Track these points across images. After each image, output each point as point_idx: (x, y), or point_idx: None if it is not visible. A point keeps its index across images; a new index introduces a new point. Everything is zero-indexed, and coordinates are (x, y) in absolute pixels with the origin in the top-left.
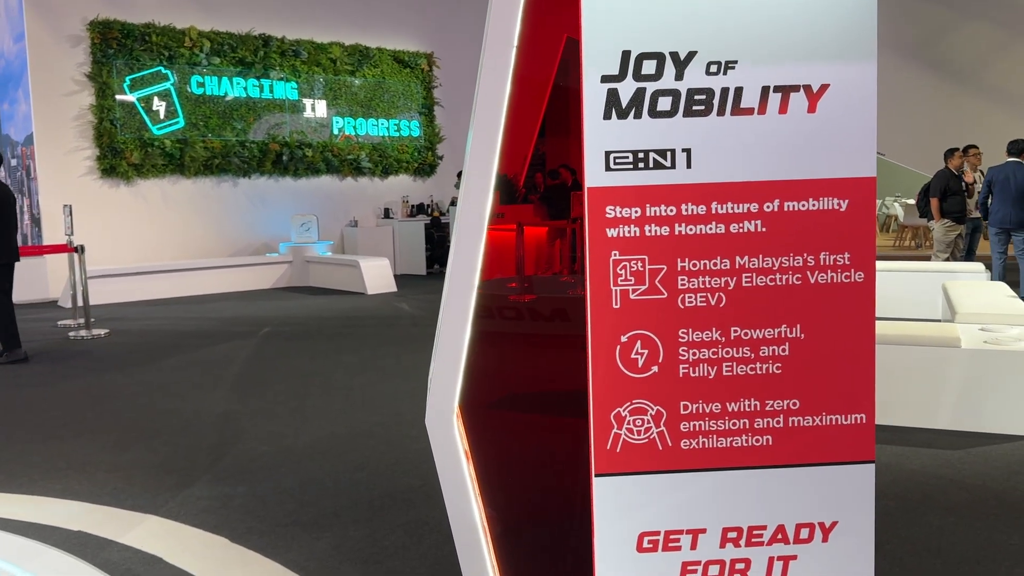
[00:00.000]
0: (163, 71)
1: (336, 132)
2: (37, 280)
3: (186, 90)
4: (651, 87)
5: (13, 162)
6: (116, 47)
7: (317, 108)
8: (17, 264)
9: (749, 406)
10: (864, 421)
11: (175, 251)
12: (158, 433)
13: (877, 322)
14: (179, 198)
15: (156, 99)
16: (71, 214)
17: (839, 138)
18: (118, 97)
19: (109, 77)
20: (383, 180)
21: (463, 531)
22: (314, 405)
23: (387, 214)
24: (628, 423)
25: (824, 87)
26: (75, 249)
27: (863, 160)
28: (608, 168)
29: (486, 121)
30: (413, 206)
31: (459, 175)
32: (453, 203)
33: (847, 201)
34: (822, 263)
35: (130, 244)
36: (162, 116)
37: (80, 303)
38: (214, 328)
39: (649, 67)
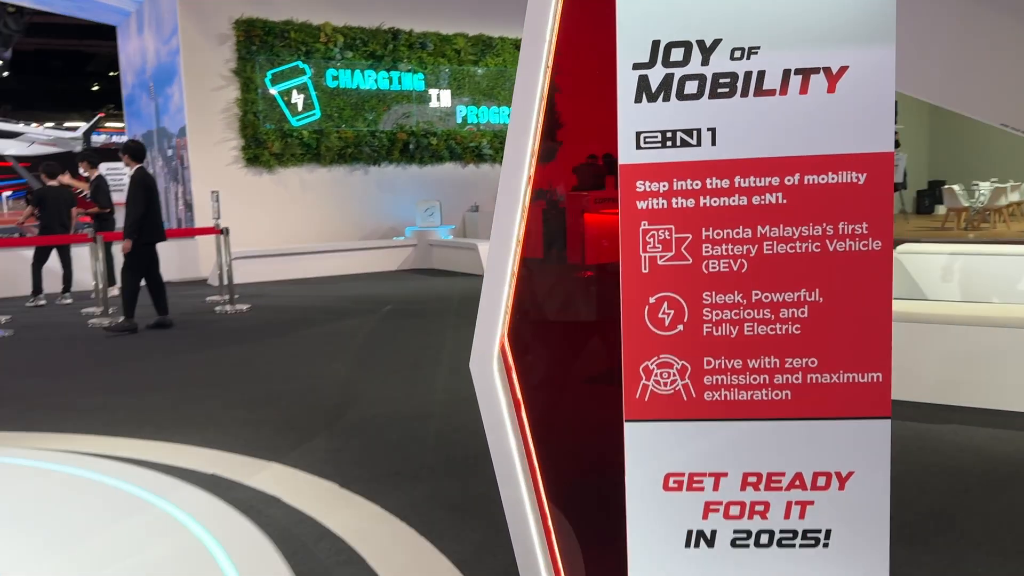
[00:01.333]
0: (301, 66)
1: (460, 121)
2: (189, 260)
3: (322, 83)
4: (679, 72)
5: (169, 152)
6: (259, 44)
7: (442, 98)
8: (171, 245)
9: (769, 363)
10: (881, 380)
11: (311, 235)
12: (286, 394)
13: (991, 305)
14: (315, 185)
15: (295, 92)
16: (218, 200)
17: (858, 116)
18: (271, 90)
19: (252, 72)
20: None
21: (503, 464)
22: (424, 374)
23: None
24: (655, 375)
25: (843, 69)
26: (221, 232)
27: (881, 136)
28: (639, 147)
29: (521, 108)
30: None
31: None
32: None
33: (865, 175)
34: (840, 232)
35: (271, 228)
36: (300, 108)
37: (225, 281)
38: (342, 305)
39: (677, 54)
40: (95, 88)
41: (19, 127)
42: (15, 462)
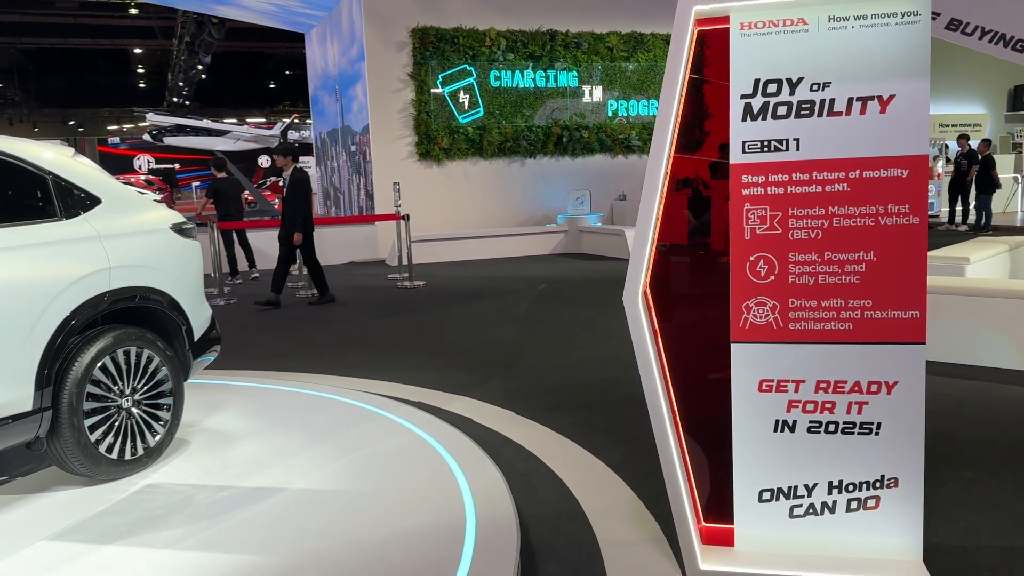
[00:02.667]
0: (468, 68)
1: (610, 114)
2: (369, 243)
3: (486, 83)
4: (773, 100)
5: (352, 148)
6: (432, 50)
7: (594, 93)
8: (354, 229)
9: (836, 303)
10: (918, 316)
11: (474, 221)
12: (465, 351)
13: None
14: (478, 177)
15: (462, 92)
16: (399, 190)
17: (901, 129)
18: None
19: (426, 76)
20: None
21: (648, 379)
22: (576, 339)
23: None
24: (754, 311)
25: (892, 96)
26: (403, 217)
27: (918, 143)
28: (744, 152)
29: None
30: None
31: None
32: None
33: (907, 171)
34: (888, 211)
35: (439, 215)
36: (466, 107)
37: (405, 261)
38: (503, 283)
39: (772, 88)
40: (272, 86)
41: (227, 126)
42: (286, 389)
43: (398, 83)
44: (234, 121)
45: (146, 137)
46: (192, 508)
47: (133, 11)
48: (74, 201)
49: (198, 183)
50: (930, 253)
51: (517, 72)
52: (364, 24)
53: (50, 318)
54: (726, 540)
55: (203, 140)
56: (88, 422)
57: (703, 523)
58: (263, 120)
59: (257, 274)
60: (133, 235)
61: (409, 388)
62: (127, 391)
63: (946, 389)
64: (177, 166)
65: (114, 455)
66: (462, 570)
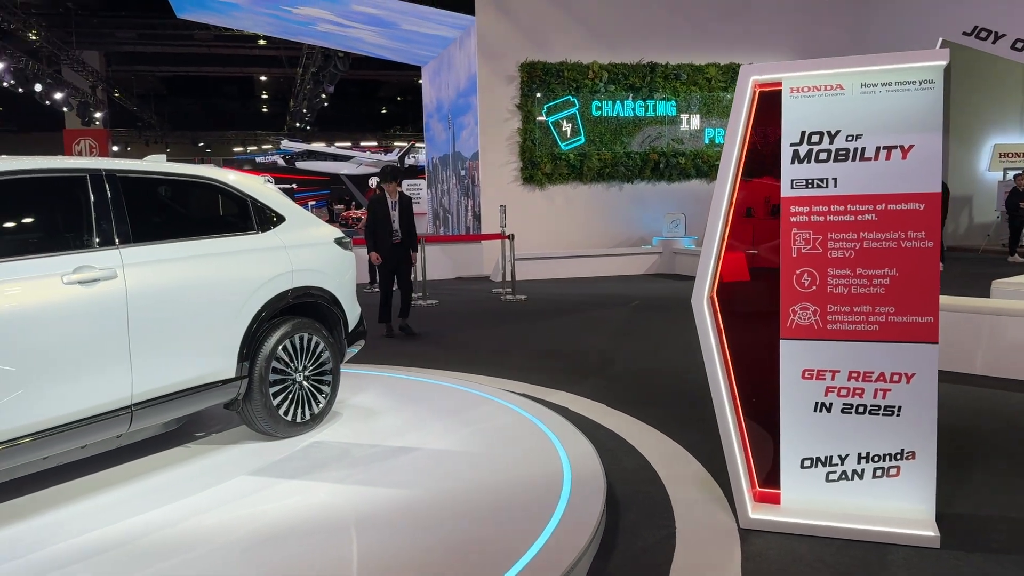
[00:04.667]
0: (571, 99)
1: (707, 142)
2: (475, 260)
3: (588, 113)
4: (816, 148)
5: (462, 172)
6: (538, 83)
7: (692, 121)
8: (460, 247)
9: (865, 309)
10: (931, 321)
11: (572, 242)
12: (563, 355)
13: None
14: (578, 200)
15: (564, 122)
16: (505, 212)
17: (919, 172)
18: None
19: (532, 107)
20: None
21: (712, 369)
22: (662, 348)
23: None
24: (798, 314)
25: (912, 146)
26: (508, 237)
27: (932, 183)
28: (792, 188)
29: (724, 172)
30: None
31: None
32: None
33: (924, 204)
34: (908, 236)
35: (540, 235)
36: (568, 135)
37: (508, 277)
38: (598, 299)
39: (815, 138)
40: (384, 112)
41: (351, 152)
42: (412, 379)
43: (506, 113)
44: (348, 145)
45: (280, 162)
46: (350, 459)
47: (262, 42)
48: (266, 218)
49: (313, 203)
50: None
51: (617, 102)
52: (478, 60)
53: (250, 308)
54: (774, 501)
55: (329, 164)
56: (272, 390)
57: (756, 488)
58: (375, 144)
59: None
60: (308, 246)
61: (513, 383)
62: (300, 368)
63: (1009, 400)
64: (294, 186)
65: (289, 418)
66: (560, 508)
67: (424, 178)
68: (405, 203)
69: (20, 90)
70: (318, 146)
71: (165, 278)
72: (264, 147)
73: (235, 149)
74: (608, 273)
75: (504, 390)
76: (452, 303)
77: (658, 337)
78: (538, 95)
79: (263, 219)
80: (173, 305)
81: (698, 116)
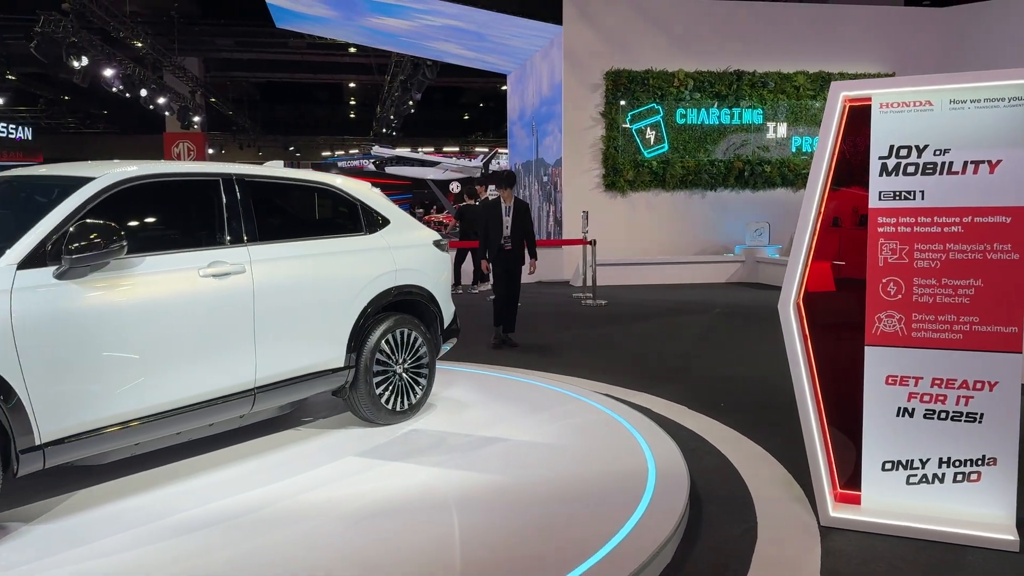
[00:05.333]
0: (655, 107)
1: (794, 150)
2: (555, 265)
3: (672, 120)
4: (904, 161)
5: (544, 178)
6: (623, 90)
7: (779, 129)
8: (541, 252)
9: (950, 318)
10: (1016, 331)
11: (653, 248)
12: (644, 359)
13: None
14: (660, 207)
15: (648, 129)
16: (587, 217)
17: (1006, 186)
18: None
19: (616, 114)
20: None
21: (797, 373)
22: (745, 355)
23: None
24: (884, 321)
25: (999, 160)
26: (590, 243)
27: (1019, 197)
28: (879, 199)
29: (813, 183)
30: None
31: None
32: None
33: (1010, 218)
34: (994, 248)
35: (622, 241)
36: (652, 142)
37: (589, 282)
38: (679, 305)
39: (904, 152)
40: (466, 118)
41: (438, 158)
42: (500, 376)
43: (590, 121)
44: (431, 150)
45: (370, 166)
46: (445, 446)
47: (352, 50)
48: (373, 221)
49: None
50: None
51: (702, 110)
52: (563, 68)
53: (358, 303)
54: (854, 502)
55: (416, 170)
56: (375, 380)
57: (837, 489)
58: (457, 149)
59: (476, 290)
60: (410, 247)
61: (596, 383)
62: (400, 360)
63: None
64: (378, 191)
65: (390, 406)
66: (645, 498)
67: None
68: (521, 209)
69: (127, 95)
70: (403, 151)
71: (286, 274)
72: (351, 152)
73: (323, 153)
74: (689, 280)
75: (587, 389)
76: (533, 306)
77: (740, 344)
78: (622, 103)
79: (370, 221)
80: (293, 298)
81: (785, 124)
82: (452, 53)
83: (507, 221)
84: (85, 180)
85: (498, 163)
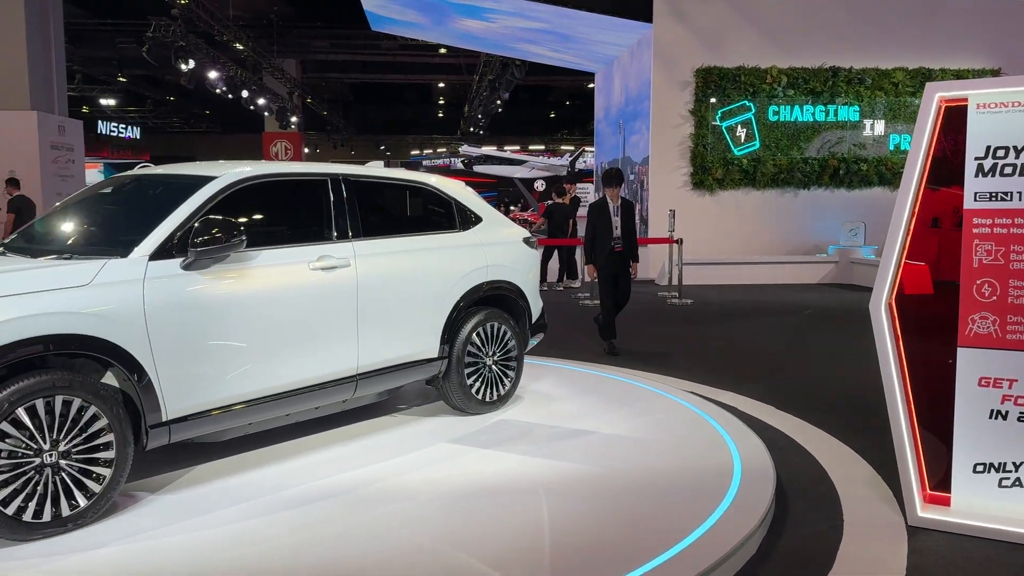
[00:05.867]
0: (747, 104)
1: (892, 148)
2: (641, 264)
3: (764, 118)
4: (1001, 162)
5: (631, 177)
6: (713, 88)
7: (876, 127)
8: None
9: None
10: None
11: (741, 248)
12: (731, 358)
13: None
14: (749, 206)
15: (739, 127)
16: (674, 216)
17: None
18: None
19: (705, 112)
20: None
21: (887, 373)
22: (836, 356)
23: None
24: (977, 323)
25: None
26: (676, 241)
27: None
28: (975, 200)
29: (906, 182)
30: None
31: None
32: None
33: None
34: None
35: (709, 241)
36: (742, 140)
37: (675, 281)
38: (769, 306)
39: (1001, 153)
40: (552, 116)
41: (524, 156)
42: (585, 371)
43: (679, 119)
44: (517, 148)
45: (459, 164)
46: (532, 436)
47: (442, 51)
48: (467, 218)
49: None
50: None
51: (796, 107)
52: (653, 66)
53: (452, 297)
54: (943, 503)
55: (504, 168)
56: (466, 371)
57: (926, 489)
58: (543, 148)
59: (561, 287)
60: (501, 244)
61: (682, 381)
62: (490, 353)
63: None
64: (471, 189)
65: (480, 396)
66: (731, 492)
67: (592, 182)
68: (627, 208)
69: (230, 96)
70: (489, 150)
71: (387, 268)
72: (439, 150)
73: (412, 152)
74: (778, 281)
75: (673, 387)
76: None
77: (831, 345)
78: (712, 100)
79: (464, 219)
80: (393, 291)
81: (883, 122)
82: (540, 53)
83: (616, 222)
84: (207, 179)
85: (584, 161)
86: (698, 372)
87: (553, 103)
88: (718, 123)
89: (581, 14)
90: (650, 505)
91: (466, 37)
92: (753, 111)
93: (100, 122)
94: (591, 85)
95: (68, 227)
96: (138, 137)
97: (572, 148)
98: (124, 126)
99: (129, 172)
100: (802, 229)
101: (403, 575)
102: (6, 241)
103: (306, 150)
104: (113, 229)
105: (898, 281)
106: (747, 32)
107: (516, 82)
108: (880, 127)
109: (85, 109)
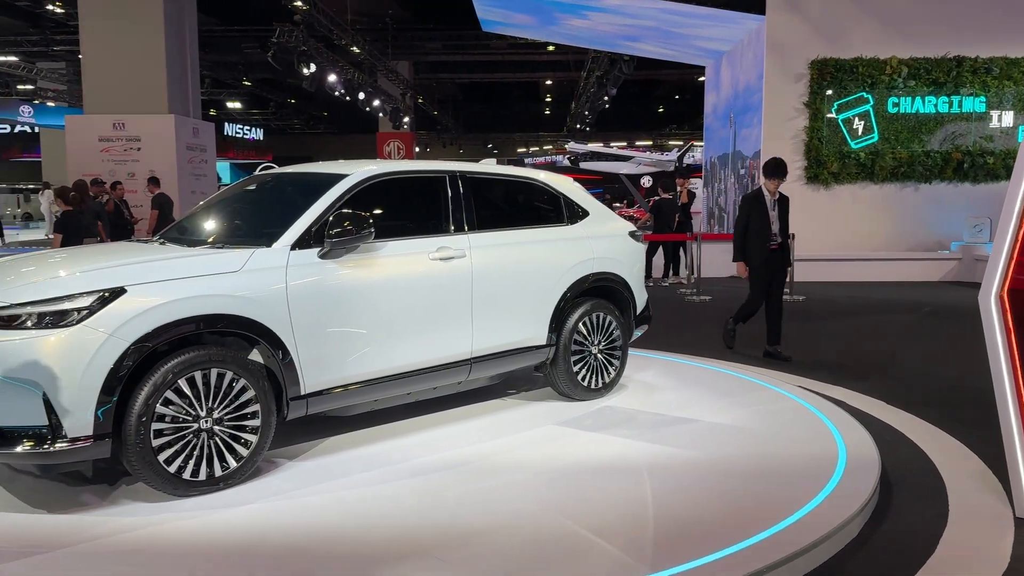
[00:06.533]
0: (864, 95)
1: (1021, 140)
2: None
3: (882, 110)
4: None
5: (741, 171)
6: (829, 80)
7: (1004, 118)
8: (729, 246)
9: None
10: None
11: (859, 244)
12: (841, 355)
13: None
14: (866, 201)
15: (856, 119)
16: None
17: None
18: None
19: (820, 104)
20: None
21: (996, 366)
22: (952, 355)
23: None
24: None
25: None
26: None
27: None
28: None
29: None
30: None
31: None
32: None
33: None
34: None
35: (824, 237)
36: (859, 133)
37: (786, 278)
38: (885, 304)
39: None
40: (660, 111)
41: (631, 152)
42: (688, 363)
43: (792, 111)
44: (624, 144)
45: (565, 161)
46: (636, 422)
47: (550, 48)
48: (574, 212)
49: None
50: None
51: (917, 98)
52: (766, 58)
53: (560, 287)
54: None
55: (611, 165)
56: (572, 359)
57: None
58: (649, 143)
59: (667, 283)
60: (607, 237)
61: (789, 375)
62: (595, 342)
63: None
64: (579, 185)
65: (585, 383)
66: (834, 478)
67: (700, 177)
68: (784, 204)
69: (347, 98)
70: (595, 146)
71: (500, 258)
72: (545, 147)
73: (519, 150)
74: (897, 278)
75: (780, 380)
76: (727, 300)
77: (947, 343)
78: (828, 92)
79: (571, 213)
80: (505, 280)
81: (1012, 113)
82: (647, 49)
83: (773, 216)
84: (339, 177)
85: (692, 157)
86: (806, 367)
87: (661, 97)
88: (834, 116)
89: (691, 9)
90: (752, 488)
91: (573, 35)
92: (871, 103)
93: (227, 124)
94: (701, 78)
95: (217, 220)
96: (261, 138)
97: (680, 143)
98: (248, 128)
99: (268, 171)
100: (923, 225)
101: (516, 536)
102: (163, 232)
103: (416, 149)
104: (258, 222)
105: (1010, 272)
106: (865, 22)
107: (624, 78)
108: (1008, 118)
109: (212, 112)
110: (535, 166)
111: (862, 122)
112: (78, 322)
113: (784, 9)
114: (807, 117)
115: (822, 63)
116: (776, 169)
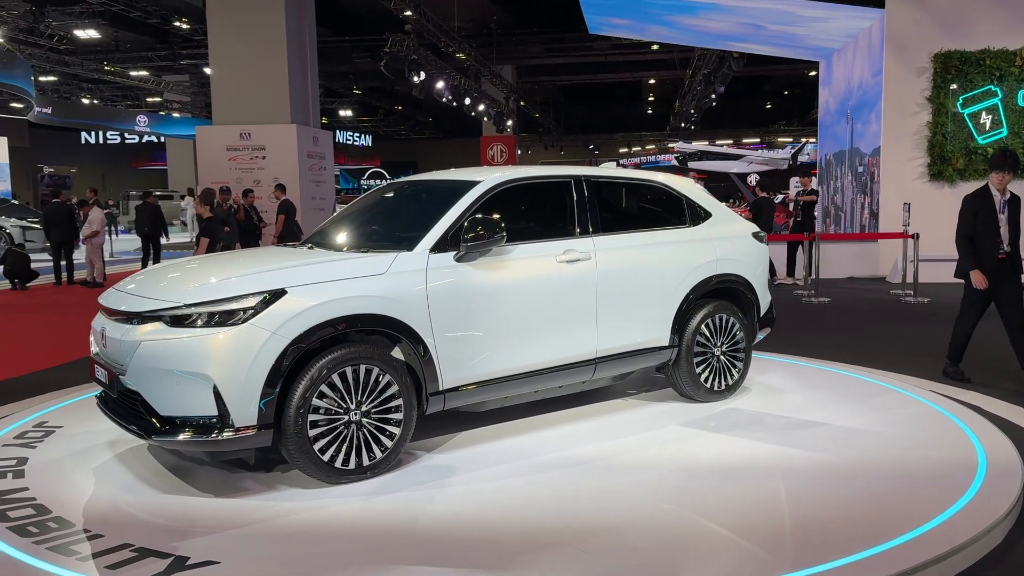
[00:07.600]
0: (992, 89)
1: None
2: (869, 260)
3: (1012, 103)
4: None
5: (859, 169)
6: (953, 73)
7: None
8: (854, 247)
9: None
10: None
11: None
12: (972, 359)
13: None
14: None
15: (983, 113)
16: (909, 210)
17: None
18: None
19: (944, 98)
20: None
21: None
22: None
23: None
24: None
25: None
26: (912, 236)
27: None
28: None
29: None
30: None
31: None
32: None
33: None
34: None
35: (949, 236)
36: (987, 128)
37: (909, 279)
38: None
39: None
40: (768, 107)
41: (742, 151)
42: (813, 366)
43: (914, 106)
44: (730, 142)
45: (674, 161)
46: (762, 424)
47: (655, 47)
48: (696, 214)
49: None
50: None
51: None
52: (885, 52)
53: (682, 288)
54: None
55: (720, 164)
56: (695, 360)
57: None
58: (757, 140)
59: (783, 281)
60: (730, 239)
61: (917, 379)
62: (718, 343)
63: None
64: (700, 186)
65: (708, 385)
66: (975, 484)
67: (816, 174)
68: (1016, 205)
69: (454, 104)
70: (700, 145)
71: (624, 261)
72: (647, 147)
73: (620, 150)
74: None
75: (909, 384)
76: (846, 302)
77: None
78: (952, 86)
79: (694, 215)
80: (628, 282)
81: None
82: (761, 45)
83: (1002, 219)
84: (472, 184)
85: (807, 154)
86: (936, 371)
87: (769, 93)
88: (959, 110)
89: (812, 3)
90: (889, 491)
91: (681, 33)
92: (1000, 96)
93: (338, 131)
94: (812, 73)
95: (360, 226)
96: (369, 144)
97: (790, 140)
98: (358, 135)
99: (405, 178)
100: None
101: (653, 532)
102: (310, 237)
103: (518, 152)
104: (397, 227)
105: None
106: (992, 12)
107: (732, 75)
108: None
109: (324, 120)
110: (635, 168)
111: (990, 116)
112: (244, 321)
113: (904, 2)
114: (930, 112)
115: (946, 56)
116: (1004, 160)
